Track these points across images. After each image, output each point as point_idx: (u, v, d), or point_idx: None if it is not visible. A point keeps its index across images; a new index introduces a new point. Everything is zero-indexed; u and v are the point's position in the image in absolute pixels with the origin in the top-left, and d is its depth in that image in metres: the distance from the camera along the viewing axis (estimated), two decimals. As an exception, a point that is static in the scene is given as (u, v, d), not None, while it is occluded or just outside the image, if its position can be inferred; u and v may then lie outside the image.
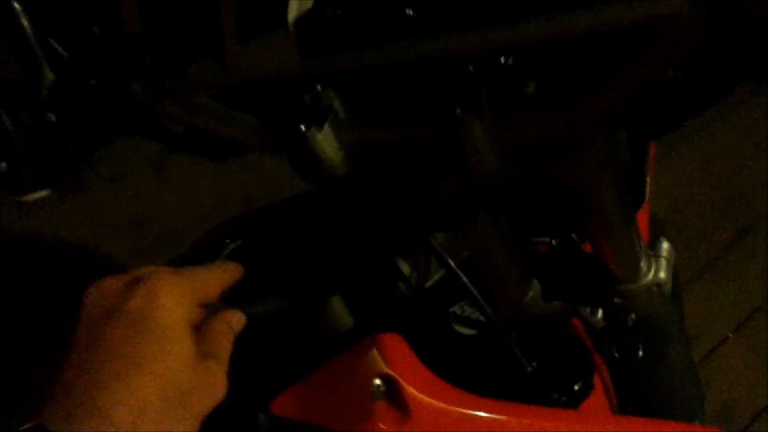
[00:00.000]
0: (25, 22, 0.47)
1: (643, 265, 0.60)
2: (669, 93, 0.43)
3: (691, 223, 1.71)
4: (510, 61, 0.44)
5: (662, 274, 0.60)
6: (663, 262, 0.61)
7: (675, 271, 0.64)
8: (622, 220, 0.55)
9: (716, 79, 0.40)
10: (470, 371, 0.53)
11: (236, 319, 0.46)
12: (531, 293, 0.60)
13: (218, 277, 0.46)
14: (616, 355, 0.62)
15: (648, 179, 0.64)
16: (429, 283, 0.58)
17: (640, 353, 0.63)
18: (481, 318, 0.56)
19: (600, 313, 0.61)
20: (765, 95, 1.93)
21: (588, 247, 0.60)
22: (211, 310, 0.46)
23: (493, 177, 0.46)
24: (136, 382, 0.39)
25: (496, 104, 0.43)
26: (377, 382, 0.47)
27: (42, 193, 0.59)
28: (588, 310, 0.61)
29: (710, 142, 1.84)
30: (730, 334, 1.55)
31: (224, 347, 0.44)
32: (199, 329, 0.45)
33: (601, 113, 0.41)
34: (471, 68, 0.42)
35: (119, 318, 0.41)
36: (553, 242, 0.63)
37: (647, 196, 0.64)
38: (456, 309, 0.58)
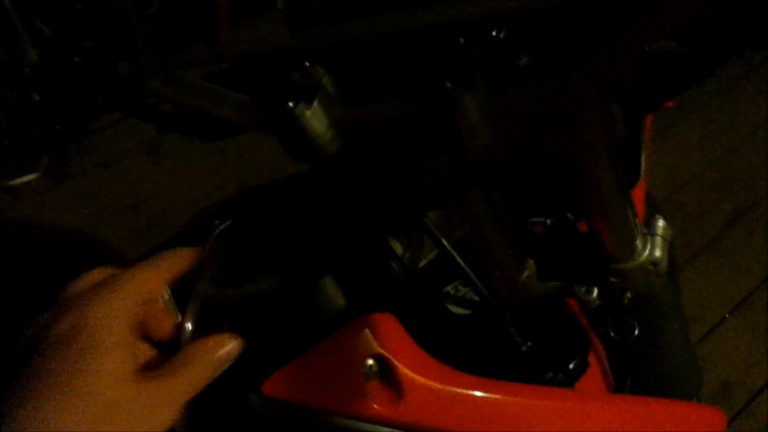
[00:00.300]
0: (6, -2, 0.46)
1: (638, 243, 0.60)
2: (664, 65, 0.42)
3: (688, 203, 1.70)
4: (502, 34, 0.43)
5: (658, 252, 0.60)
6: (659, 240, 0.60)
7: (672, 249, 0.63)
8: (617, 196, 0.55)
9: (715, 50, 0.39)
10: (464, 351, 0.52)
11: (217, 347, 0.43)
12: (526, 273, 0.59)
13: (162, 269, 0.44)
14: (612, 334, 0.62)
15: (643, 156, 0.63)
16: (422, 263, 0.57)
17: (637, 332, 0.63)
18: (476, 298, 0.55)
19: (595, 292, 0.60)
20: (763, 75, 1.93)
21: (583, 227, 0.60)
22: (169, 305, 0.44)
23: (486, 152, 0.45)
24: (52, 402, 0.37)
25: (488, 77, 0.43)
26: (370, 362, 0.47)
27: (30, 177, 0.58)
28: (583, 289, 0.61)
29: (707, 122, 1.84)
30: (727, 315, 1.55)
31: (183, 375, 0.41)
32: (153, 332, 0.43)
33: (594, 85, 0.40)
34: (462, 41, 0.41)
35: (46, 344, 0.39)
36: (548, 222, 0.62)
37: (643, 173, 0.63)
38: (450, 289, 0.57)
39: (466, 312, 0.56)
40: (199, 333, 0.45)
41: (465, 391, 0.47)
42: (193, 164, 1.69)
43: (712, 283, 1.60)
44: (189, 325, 0.46)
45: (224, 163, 1.69)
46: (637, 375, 0.63)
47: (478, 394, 0.48)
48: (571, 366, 0.54)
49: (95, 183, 1.67)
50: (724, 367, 1.47)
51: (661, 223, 0.61)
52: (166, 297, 0.46)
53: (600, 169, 0.51)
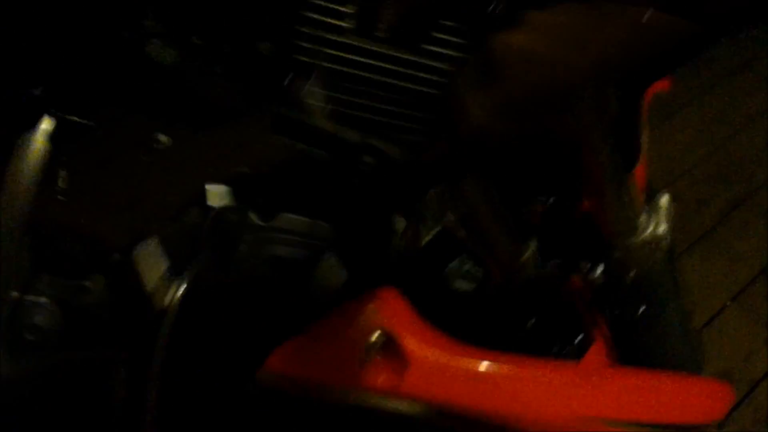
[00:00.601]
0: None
1: (642, 219, 0.59)
2: (658, 38, 0.41)
3: (685, 194, 1.70)
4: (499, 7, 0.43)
5: (662, 228, 0.60)
6: (662, 216, 0.60)
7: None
8: (616, 173, 0.55)
9: (707, 25, 0.39)
10: (469, 327, 0.52)
11: None
12: (527, 253, 0.59)
13: None
14: (616, 312, 0.62)
15: (642, 135, 0.62)
16: (425, 239, 0.57)
17: (640, 309, 0.62)
18: (481, 273, 0.55)
19: (599, 270, 0.60)
20: (758, 66, 1.93)
21: (586, 206, 0.59)
22: None
23: (482, 133, 0.45)
24: None
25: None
26: (375, 335, 0.46)
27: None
28: (587, 267, 0.60)
29: (704, 112, 1.84)
30: (728, 303, 1.54)
31: None
32: None
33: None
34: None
35: None
36: (551, 201, 0.62)
37: (642, 153, 0.63)
38: (455, 264, 0.57)
39: (471, 286, 0.55)
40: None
41: (470, 363, 0.47)
42: (189, 162, 1.68)
43: (711, 273, 1.59)
44: (183, 287, 0.46)
45: (221, 159, 1.69)
46: (640, 351, 0.63)
47: (483, 365, 0.47)
48: (576, 340, 0.53)
49: (92, 181, 1.66)
50: (725, 356, 1.46)
51: (664, 198, 0.61)
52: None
53: (597, 147, 0.51)
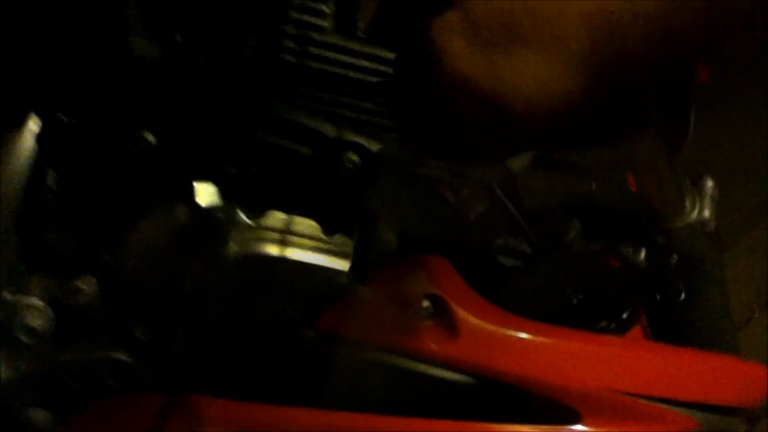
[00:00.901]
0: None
1: (687, 202, 0.59)
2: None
3: (713, 194, 1.68)
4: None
5: (707, 212, 0.60)
6: (708, 200, 0.60)
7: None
8: (666, 151, 0.54)
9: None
10: (515, 301, 0.52)
11: None
12: (572, 232, 0.59)
13: None
14: (658, 296, 0.61)
15: (692, 111, 0.62)
16: (475, 213, 0.57)
17: (682, 295, 0.62)
18: (527, 249, 0.55)
19: (642, 253, 0.60)
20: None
21: (631, 186, 0.59)
22: None
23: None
24: None
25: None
26: (425, 302, 0.46)
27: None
28: (630, 249, 0.60)
29: (732, 105, 1.80)
30: (755, 315, 1.52)
31: None
32: None
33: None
34: None
35: None
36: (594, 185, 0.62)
37: (692, 129, 0.62)
38: (502, 240, 0.57)
39: (517, 263, 0.56)
40: None
41: (520, 334, 0.47)
42: (175, 160, 1.68)
43: (738, 279, 1.56)
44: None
45: (210, 158, 1.69)
46: (679, 337, 0.63)
47: (532, 336, 0.47)
48: (624, 315, 0.53)
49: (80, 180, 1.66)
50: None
51: (709, 182, 0.60)
52: None
53: (648, 121, 0.51)
